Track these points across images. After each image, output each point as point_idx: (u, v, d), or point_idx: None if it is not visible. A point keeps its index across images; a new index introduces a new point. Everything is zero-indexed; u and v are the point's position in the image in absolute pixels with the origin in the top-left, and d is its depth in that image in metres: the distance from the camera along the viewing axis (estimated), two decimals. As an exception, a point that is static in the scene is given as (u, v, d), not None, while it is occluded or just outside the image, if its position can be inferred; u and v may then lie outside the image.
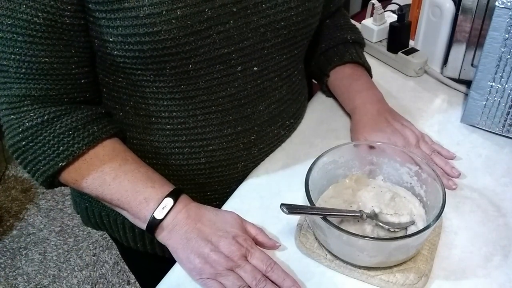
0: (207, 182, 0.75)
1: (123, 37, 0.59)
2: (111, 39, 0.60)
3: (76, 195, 0.85)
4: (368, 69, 0.86)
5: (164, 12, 0.57)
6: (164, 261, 0.81)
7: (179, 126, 0.69)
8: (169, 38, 0.58)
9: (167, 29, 0.57)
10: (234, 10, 0.61)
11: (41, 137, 0.63)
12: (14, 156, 0.65)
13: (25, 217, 2.04)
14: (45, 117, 0.63)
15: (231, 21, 0.61)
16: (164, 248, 0.81)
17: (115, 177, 0.64)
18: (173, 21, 0.57)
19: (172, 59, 0.60)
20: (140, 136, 0.71)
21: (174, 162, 0.72)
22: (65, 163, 0.63)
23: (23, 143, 0.63)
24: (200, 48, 0.60)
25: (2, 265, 1.85)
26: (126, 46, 0.59)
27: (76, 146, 0.63)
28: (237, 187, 0.76)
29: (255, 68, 0.67)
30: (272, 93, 0.72)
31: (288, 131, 0.80)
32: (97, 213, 0.82)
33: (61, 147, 0.63)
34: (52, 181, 0.66)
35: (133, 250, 0.84)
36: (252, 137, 0.73)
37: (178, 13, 0.57)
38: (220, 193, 0.76)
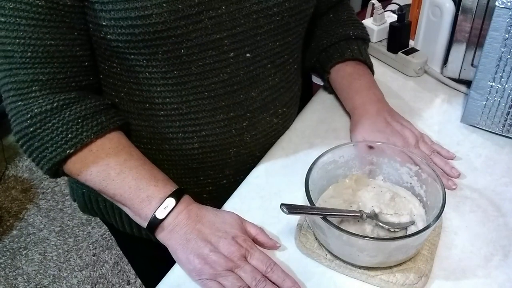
0: (200, 167, 0.76)
1: (115, 21, 0.59)
2: (104, 23, 0.60)
3: (73, 181, 0.85)
4: (370, 66, 0.86)
5: None
6: (158, 247, 0.81)
7: (172, 112, 0.70)
8: (160, 22, 0.58)
9: (158, 13, 0.58)
10: None
11: (50, 124, 0.63)
12: (20, 143, 0.65)
13: (25, 217, 2.04)
14: (55, 104, 0.63)
15: (223, 7, 0.61)
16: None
17: (120, 172, 0.64)
18: (164, 5, 0.58)
19: (163, 43, 0.61)
20: (135, 122, 0.72)
21: (168, 147, 0.73)
22: (72, 150, 0.63)
23: (31, 129, 0.63)
24: (191, 33, 0.61)
25: (2, 265, 1.85)
26: (119, 30, 0.60)
27: (84, 134, 0.63)
28: (230, 172, 0.76)
29: (247, 55, 0.67)
30: (265, 80, 0.72)
31: (281, 119, 0.79)
32: (93, 198, 0.82)
33: (69, 135, 0.63)
34: (57, 170, 0.66)
35: (129, 238, 0.85)
36: (244, 124, 0.73)
37: None
38: (212, 177, 0.77)
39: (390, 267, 0.59)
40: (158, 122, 0.71)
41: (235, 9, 0.62)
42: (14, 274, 1.82)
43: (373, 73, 0.87)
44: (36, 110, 0.63)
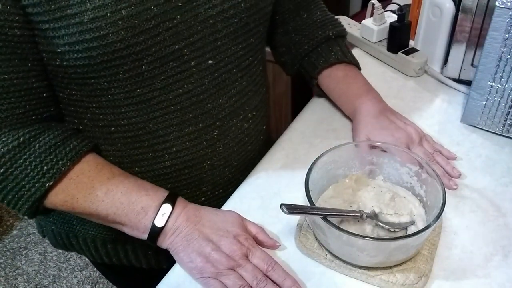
0: (176, 187, 0.73)
1: (70, 46, 0.57)
2: (58, 50, 0.57)
3: (41, 218, 0.82)
4: (355, 64, 0.85)
5: (108, 14, 0.55)
6: (143, 271, 0.81)
7: (140, 132, 0.67)
8: (117, 40, 0.56)
9: (114, 31, 0.56)
10: (180, 4, 0.59)
11: (21, 161, 0.59)
12: None
13: (25, 217, 2.04)
14: (21, 139, 0.60)
15: (178, 16, 0.59)
16: (140, 259, 0.80)
17: (107, 191, 0.62)
18: (119, 22, 0.56)
19: (124, 62, 0.59)
20: (102, 147, 0.69)
21: (139, 169, 0.71)
22: (52, 182, 0.60)
23: (2, 170, 0.59)
24: (151, 48, 0.59)
25: (2, 265, 1.85)
26: (75, 55, 0.57)
27: (60, 162, 0.60)
28: (207, 188, 0.75)
29: (210, 61, 0.66)
30: (232, 85, 0.70)
31: (251, 124, 0.77)
32: (64, 235, 0.80)
33: (45, 167, 0.60)
34: (37, 207, 0.62)
35: (110, 267, 0.83)
36: (215, 133, 0.71)
37: (123, 13, 0.55)
38: (189, 196, 0.74)
39: (390, 267, 0.59)
40: (125, 145, 0.68)
41: (190, 16, 0.60)
42: (14, 274, 1.82)
43: (360, 68, 0.86)
44: (2, 149, 0.59)
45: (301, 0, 0.86)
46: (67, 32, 0.56)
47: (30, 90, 0.60)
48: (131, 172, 0.69)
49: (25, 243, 1.93)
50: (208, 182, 0.75)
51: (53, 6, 0.54)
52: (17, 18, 0.55)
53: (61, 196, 0.62)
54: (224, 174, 0.76)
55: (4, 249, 1.91)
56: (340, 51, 0.83)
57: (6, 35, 0.55)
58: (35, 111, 0.62)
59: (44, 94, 0.63)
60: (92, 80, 0.61)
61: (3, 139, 0.59)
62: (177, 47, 0.61)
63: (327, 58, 0.83)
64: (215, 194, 0.77)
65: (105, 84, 0.61)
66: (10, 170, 0.59)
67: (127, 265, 0.81)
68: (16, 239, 1.95)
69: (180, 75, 0.64)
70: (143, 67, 0.60)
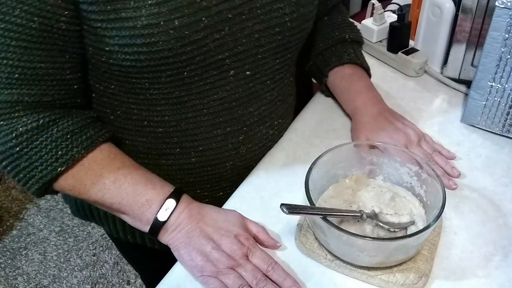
0: (197, 181, 0.76)
1: (119, 47, 0.58)
2: (106, 48, 0.59)
3: None
4: (366, 69, 0.86)
5: (162, 22, 0.56)
6: (155, 252, 0.81)
7: (170, 129, 0.70)
8: (166, 49, 0.58)
9: (165, 40, 0.57)
10: (230, 16, 0.61)
11: (37, 142, 0.61)
12: (4, 163, 0.62)
13: (25, 217, 2.04)
14: (40, 121, 0.61)
15: (227, 28, 0.61)
16: (154, 240, 0.82)
17: (115, 180, 0.63)
18: (171, 32, 0.57)
19: (168, 68, 0.60)
20: (132, 138, 0.72)
21: (165, 162, 0.73)
22: (64, 168, 0.61)
23: (17, 149, 0.61)
24: (196, 57, 0.61)
25: (2, 265, 1.85)
26: (123, 56, 0.59)
27: (75, 150, 0.62)
28: (227, 184, 0.76)
29: (247, 73, 0.68)
30: (264, 96, 0.73)
31: (276, 130, 0.79)
32: (86, 205, 0.82)
33: (59, 152, 0.61)
34: (46, 189, 0.64)
35: (125, 242, 0.85)
36: (241, 138, 0.74)
37: (176, 23, 0.57)
38: (209, 190, 0.78)
39: (390, 267, 0.59)
40: (155, 138, 0.71)
41: (238, 29, 0.62)
42: (14, 274, 1.82)
43: (370, 76, 0.86)
44: (21, 129, 0.60)
45: (331, 8, 0.88)
46: (118, 34, 0.57)
47: (62, 81, 0.62)
48: (158, 163, 0.72)
49: (25, 243, 1.93)
50: (228, 179, 0.77)
51: (109, 7, 0.56)
52: (65, 13, 0.57)
53: (70, 181, 0.63)
54: (243, 174, 0.78)
55: (4, 249, 1.91)
56: (353, 53, 0.85)
57: (51, 27, 0.57)
58: (61, 100, 0.64)
59: (75, 86, 0.65)
60: (134, 79, 0.63)
61: (24, 119, 0.61)
62: (220, 57, 0.63)
63: (340, 57, 0.84)
64: (233, 190, 0.78)
65: (146, 84, 0.63)
66: (25, 150, 0.61)
67: (140, 244, 0.82)
68: (16, 239, 1.95)
69: (217, 82, 0.66)
70: (185, 73, 0.62)
